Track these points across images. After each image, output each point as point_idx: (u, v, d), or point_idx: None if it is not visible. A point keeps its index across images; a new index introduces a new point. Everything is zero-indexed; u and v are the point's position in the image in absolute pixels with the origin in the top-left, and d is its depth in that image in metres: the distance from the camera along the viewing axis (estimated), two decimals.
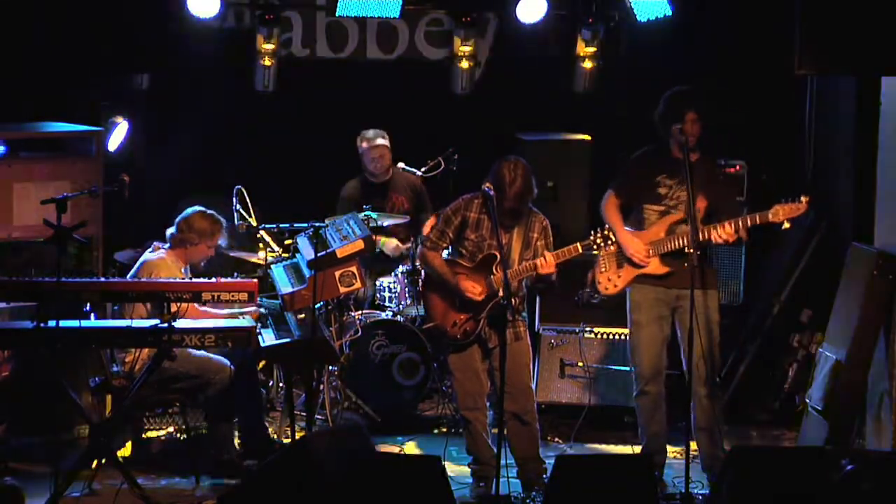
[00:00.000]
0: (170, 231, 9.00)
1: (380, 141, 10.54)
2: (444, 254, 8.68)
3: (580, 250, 8.50)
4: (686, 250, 8.49)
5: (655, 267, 8.64)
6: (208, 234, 8.95)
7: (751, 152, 10.55)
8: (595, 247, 8.51)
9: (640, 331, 8.73)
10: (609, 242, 8.49)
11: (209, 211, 9.03)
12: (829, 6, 8.27)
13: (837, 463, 7.54)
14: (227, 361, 8.86)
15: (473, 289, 8.51)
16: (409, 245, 10.51)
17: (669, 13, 10.17)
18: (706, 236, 8.48)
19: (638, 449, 9.01)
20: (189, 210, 9.01)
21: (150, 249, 8.99)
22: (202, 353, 8.84)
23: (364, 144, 10.55)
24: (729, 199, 8.71)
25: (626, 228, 8.71)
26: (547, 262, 8.46)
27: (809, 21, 8.26)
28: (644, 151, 8.84)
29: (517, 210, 8.48)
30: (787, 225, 8.46)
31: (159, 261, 8.82)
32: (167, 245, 8.97)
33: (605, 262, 8.77)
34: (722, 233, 8.45)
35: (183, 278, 8.76)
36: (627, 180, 8.82)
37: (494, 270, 8.49)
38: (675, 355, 8.81)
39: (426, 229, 10.15)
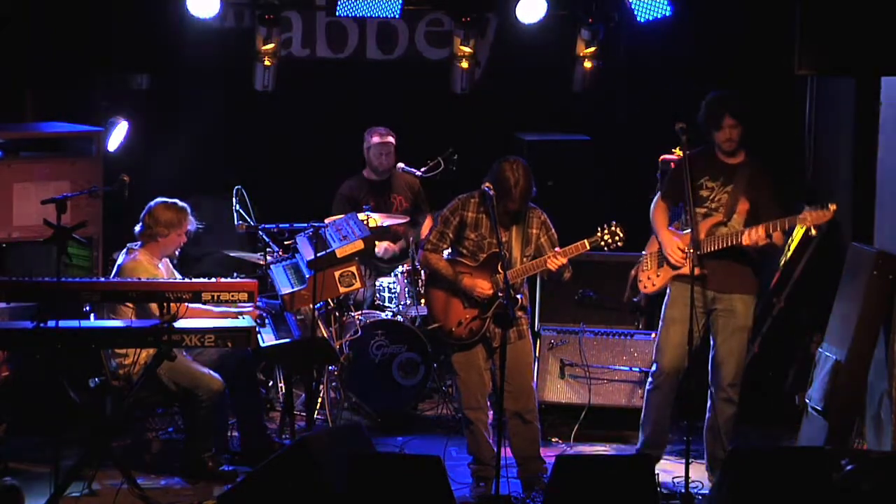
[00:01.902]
0: (137, 228, 8.94)
1: (390, 139, 10.56)
2: (445, 254, 8.67)
3: (587, 247, 8.50)
4: (687, 249, 8.51)
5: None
6: (175, 223, 8.90)
7: (751, 152, 10.54)
8: (602, 243, 8.50)
9: (670, 327, 8.75)
10: (617, 239, 8.50)
11: (171, 200, 8.94)
12: (829, 6, 8.27)
13: (837, 463, 7.55)
14: (219, 377, 8.84)
15: (483, 286, 8.51)
16: (400, 244, 10.50)
17: (669, 13, 10.16)
18: (735, 241, 8.47)
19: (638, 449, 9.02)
20: (151, 203, 8.92)
21: (124, 252, 8.95)
22: (196, 365, 8.85)
23: (375, 139, 10.55)
24: (773, 204, 8.61)
25: (670, 229, 8.73)
26: (558, 259, 8.46)
27: (809, 21, 8.27)
28: (690, 154, 8.83)
29: (520, 210, 8.49)
30: (813, 231, 8.49)
31: (135, 263, 8.78)
32: (139, 244, 8.94)
33: (648, 260, 8.83)
34: (753, 235, 8.44)
35: (162, 276, 8.76)
36: (673, 183, 8.82)
37: (500, 270, 8.48)
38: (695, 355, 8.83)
39: (424, 232, 10.16)
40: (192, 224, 8.98)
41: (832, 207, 8.42)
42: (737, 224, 8.60)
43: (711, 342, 8.75)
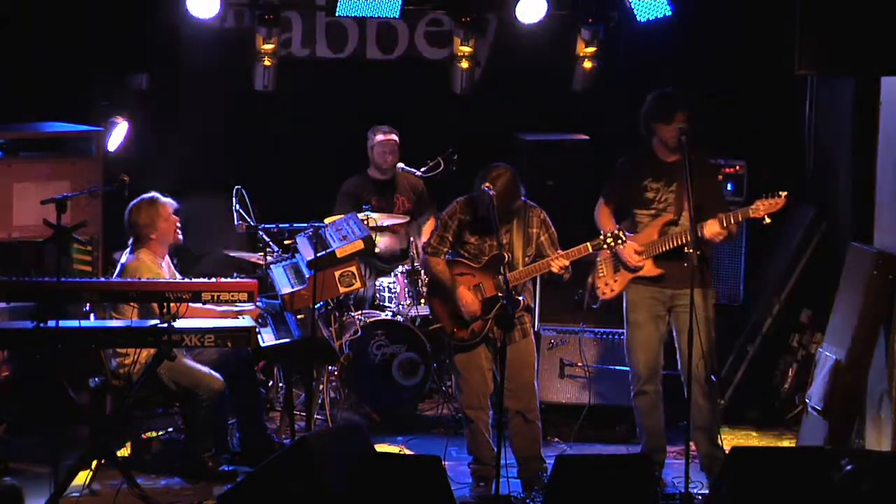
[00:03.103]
0: (130, 240, 8.94)
1: (393, 136, 10.57)
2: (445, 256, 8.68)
3: (590, 250, 8.52)
4: (686, 250, 8.51)
5: (649, 269, 8.67)
6: (153, 214, 8.86)
7: (751, 152, 10.55)
8: (605, 246, 8.52)
9: (637, 330, 8.75)
10: (619, 242, 8.51)
11: (136, 199, 8.90)
12: (829, 6, 8.27)
13: (837, 463, 7.55)
14: (219, 377, 8.85)
15: (472, 306, 8.51)
16: (400, 243, 10.48)
17: (669, 13, 10.15)
18: (701, 234, 8.50)
19: (638, 449, 9.01)
20: (125, 213, 8.92)
21: (127, 251, 8.94)
22: (197, 365, 8.85)
23: (379, 136, 10.55)
24: (713, 192, 8.70)
25: None
26: (560, 261, 8.46)
27: (809, 21, 8.27)
28: (628, 157, 8.87)
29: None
30: (767, 220, 8.49)
31: (137, 262, 8.78)
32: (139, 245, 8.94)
33: (602, 266, 8.81)
34: (710, 230, 8.47)
35: (165, 275, 8.76)
36: (615, 187, 8.86)
37: (503, 271, 8.47)
38: (671, 355, 8.81)
39: (425, 234, 10.16)
40: (170, 205, 8.94)
41: (783, 195, 8.44)
42: (687, 221, 8.57)
43: (676, 341, 8.72)
